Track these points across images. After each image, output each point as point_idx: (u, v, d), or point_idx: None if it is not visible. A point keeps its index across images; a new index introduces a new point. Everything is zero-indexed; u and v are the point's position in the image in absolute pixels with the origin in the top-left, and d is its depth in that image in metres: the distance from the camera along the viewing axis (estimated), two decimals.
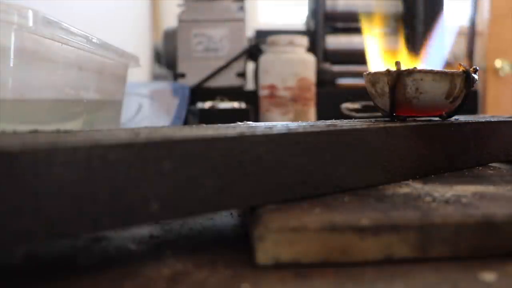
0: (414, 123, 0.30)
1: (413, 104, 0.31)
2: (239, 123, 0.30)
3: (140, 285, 0.19)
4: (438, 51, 0.37)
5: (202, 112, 0.60)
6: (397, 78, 0.30)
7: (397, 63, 0.30)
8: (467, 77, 0.31)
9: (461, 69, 0.31)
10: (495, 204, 0.23)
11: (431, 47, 0.37)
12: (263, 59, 0.69)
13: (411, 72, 0.30)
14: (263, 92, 0.68)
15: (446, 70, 0.31)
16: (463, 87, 0.31)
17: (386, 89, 0.31)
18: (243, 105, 0.62)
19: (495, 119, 0.36)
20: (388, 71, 0.31)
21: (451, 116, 0.33)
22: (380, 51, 0.36)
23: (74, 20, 0.39)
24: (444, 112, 0.33)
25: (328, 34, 0.80)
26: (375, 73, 0.32)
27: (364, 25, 0.39)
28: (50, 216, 0.17)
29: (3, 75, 0.28)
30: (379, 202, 0.24)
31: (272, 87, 0.67)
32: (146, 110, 0.67)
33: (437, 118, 0.33)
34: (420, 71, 0.30)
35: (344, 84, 0.80)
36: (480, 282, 0.19)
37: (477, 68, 0.32)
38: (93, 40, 0.37)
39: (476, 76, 0.32)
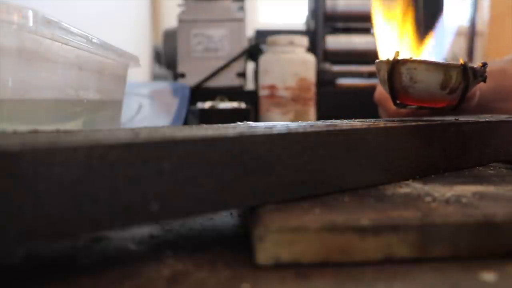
0: (414, 123, 0.30)
1: (410, 92, 0.32)
2: (239, 123, 0.30)
3: (140, 285, 0.19)
4: (438, 50, 0.37)
5: (202, 112, 0.60)
6: (393, 66, 0.32)
7: (396, 53, 0.32)
8: (464, 70, 0.31)
9: (461, 61, 0.31)
10: (495, 204, 0.23)
11: (431, 46, 0.37)
12: (263, 59, 0.69)
13: (405, 61, 0.31)
14: (263, 92, 0.68)
15: (440, 61, 0.31)
16: (461, 79, 0.31)
17: (386, 77, 0.32)
18: (243, 105, 0.62)
19: (495, 119, 0.36)
20: (387, 60, 0.32)
21: (455, 108, 0.33)
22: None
23: (74, 20, 0.39)
24: (445, 104, 0.33)
25: (328, 34, 0.80)
26: (379, 61, 0.33)
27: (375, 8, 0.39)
28: (50, 216, 0.17)
29: (3, 75, 0.28)
30: (379, 202, 0.24)
31: (272, 87, 0.67)
32: (146, 110, 0.66)
33: (438, 118, 0.33)
34: (414, 61, 0.31)
35: (344, 84, 0.80)
36: (480, 282, 0.19)
37: (486, 62, 0.32)
38: (93, 40, 0.37)
39: (485, 69, 0.32)
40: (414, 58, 0.31)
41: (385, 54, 0.36)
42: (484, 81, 0.33)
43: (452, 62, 0.32)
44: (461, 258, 0.21)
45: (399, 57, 0.31)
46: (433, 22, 0.39)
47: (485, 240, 0.21)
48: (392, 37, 0.37)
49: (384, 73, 0.33)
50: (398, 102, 0.33)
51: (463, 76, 0.31)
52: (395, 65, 0.31)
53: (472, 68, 0.32)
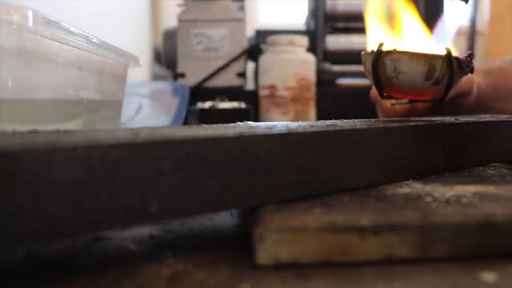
0: (414, 123, 0.30)
1: (394, 84, 0.32)
2: (239, 123, 0.30)
3: (140, 285, 0.19)
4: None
5: (202, 112, 0.60)
6: (377, 57, 0.31)
7: (380, 43, 0.31)
8: (448, 60, 0.31)
9: (445, 51, 0.31)
10: (496, 204, 0.23)
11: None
12: (263, 59, 0.69)
13: (389, 52, 0.31)
14: (263, 92, 0.68)
15: (423, 51, 0.31)
16: (445, 70, 0.31)
17: (371, 68, 0.32)
18: (243, 105, 0.62)
19: (495, 119, 0.36)
20: (372, 51, 0.32)
21: (442, 101, 0.33)
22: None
23: (74, 20, 0.39)
24: (431, 96, 0.33)
25: (328, 34, 0.80)
26: (364, 53, 0.33)
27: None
28: (50, 216, 0.17)
29: (3, 75, 0.28)
30: (379, 202, 0.24)
31: (272, 87, 0.67)
32: (146, 110, 0.67)
33: (438, 118, 0.33)
34: (398, 52, 0.31)
35: (344, 84, 0.80)
36: (480, 282, 0.19)
37: (472, 53, 0.32)
38: (93, 40, 0.37)
39: (471, 60, 0.32)
40: (398, 48, 0.31)
41: (371, 46, 0.36)
42: (471, 72, 0.32)
43: (436, 52, 0.31)
44: (461, 258, 0.21)
45: (383, 48, 0.31)
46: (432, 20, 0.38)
47: (485, 240, 0.21)
48: (381, 29, 0.37)
49: (369, 65, 0.32)
50: (384, 94, 0.33)
51: (447, 67, 0.31)
52: (379, 56, 0.31)
53: (457, 59, 0.31)
